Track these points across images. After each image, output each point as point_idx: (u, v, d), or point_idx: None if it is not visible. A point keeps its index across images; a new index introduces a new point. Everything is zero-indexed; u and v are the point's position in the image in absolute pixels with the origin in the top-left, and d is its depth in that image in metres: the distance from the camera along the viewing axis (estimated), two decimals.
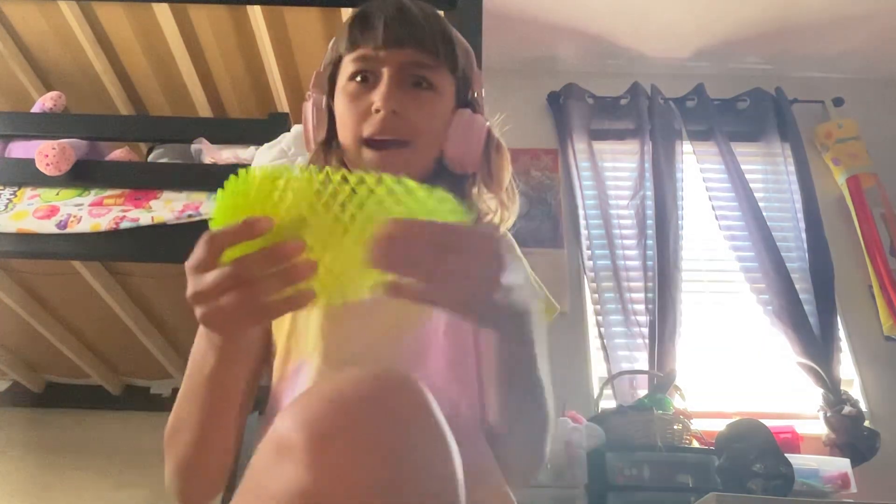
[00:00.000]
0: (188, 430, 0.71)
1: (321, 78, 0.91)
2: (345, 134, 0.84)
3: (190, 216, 1.69)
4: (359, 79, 0.83)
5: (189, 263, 0.55)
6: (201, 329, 0.66)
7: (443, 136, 0.85)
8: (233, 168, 2.05)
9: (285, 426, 0.46)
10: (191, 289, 0.55)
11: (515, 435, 0.74)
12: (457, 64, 0.87)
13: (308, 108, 0.90)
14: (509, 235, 0.90)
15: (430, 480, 0.45)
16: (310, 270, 0.52)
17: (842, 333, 2.38)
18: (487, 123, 0.90)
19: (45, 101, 2.01)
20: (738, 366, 2.36)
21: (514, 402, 0.71)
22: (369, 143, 0.81)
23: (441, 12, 1.86)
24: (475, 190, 0.89)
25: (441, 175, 0.88)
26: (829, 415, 2.16)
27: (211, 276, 0.53)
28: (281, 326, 0.81)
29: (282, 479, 0.43)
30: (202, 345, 0.66)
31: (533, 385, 0.70)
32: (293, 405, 0.48)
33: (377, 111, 0.80)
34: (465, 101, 0.89)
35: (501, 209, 0.90)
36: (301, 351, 0.78)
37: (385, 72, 0.82)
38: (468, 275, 0.53)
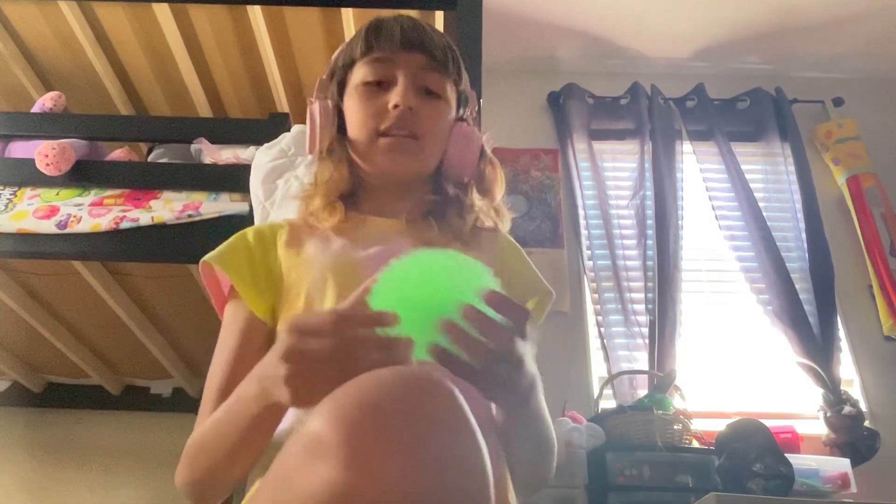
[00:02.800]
0: (213, 458, 0.72)
1: (325, 84, 0.96)
2: (357, 130, 0.89)
3: (190, 216, 1.69)
4: (373, 81, 0.89)
5: (299, 324, 0.58)
6: (256, 375, 0.65)
7: (445, 143, 0.92)
8: (233, 168, 2.06)
9: (318, 426, 0.45)
10: (291, 346, 0.57)
11: (521, 456, 0.77)
12: (461, 78, 0.94)
13: (315, 110, 0.93)
14: (510, 237, 0.93)
15: (465, 479, 0.45)
16: (409, 348, 0.57)
17: (842, 333, 2.38)
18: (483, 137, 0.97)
19: (45, 101, 2.01)
20: (738, 366, 2.36)
21: (520, 442, 0.76)
22: (385, 133, 0.87)
23: (441, 12, 1.87)
24: (472, 195, 0.94)
25: (440, 180, 0.93)
26: (829, 415, 2.16)
27: (320, 343, 0.56)
28: (292, 314, 0.83)
29: (315, 479, 0.43)
30: (252, 390, 0.66)
31: (540, 434, 0.76)
32: (324, 405, 0.47)
33: (395, 107, 0.86)
34: (461, 117, 0.96)
35: (497, 218, 0.95)
36: None
37: (400, 74, 0.88)
38: (499, 352, 0.60)
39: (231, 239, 0.90)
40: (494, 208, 0.95)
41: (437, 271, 0.59)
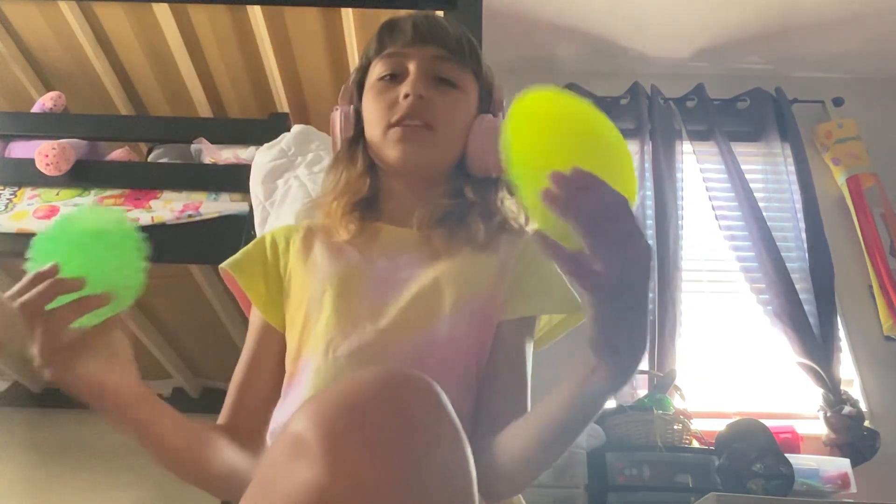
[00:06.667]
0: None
1: (347, 90, 0.95)
2: (372, 126, 0.88)
3: (190, 216, 1.69)
4: (387, 77, 0.88)
5: (11, 292, 0.64)
6: None
7: (464, 136, 0.88)
8: (233, 168, 2.06)
9: (299, 426, 0.46)
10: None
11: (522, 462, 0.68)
12: (480, 68, 0.91)
13: (335, 116, 0.93)
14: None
15: (446, 478, 0.45)
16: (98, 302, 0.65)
17: (842, 333, 2.38)
18: None
19: (45, 101, 2.01)
20: (738, 366, 2.36)
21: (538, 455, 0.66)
22: (397, 124, 0.85)
23: (441, 12, 1.87)
24: (500, 194, 0.89)
25: (465, 178, 0.89)
26: (829, 415, 2.16)
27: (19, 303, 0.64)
28: (294, 324, 0.82)
29: (296, 479, 0.43)
30: None
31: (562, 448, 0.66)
32: (306, 405, 0.48)
33: (406, 97, 0.84)
34: (487, 109, 0.92)
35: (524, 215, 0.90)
36: (309, 349, 0.78)
37: (412, 66, 0.87)
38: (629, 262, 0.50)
39: (249, 245, 0.90)
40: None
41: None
